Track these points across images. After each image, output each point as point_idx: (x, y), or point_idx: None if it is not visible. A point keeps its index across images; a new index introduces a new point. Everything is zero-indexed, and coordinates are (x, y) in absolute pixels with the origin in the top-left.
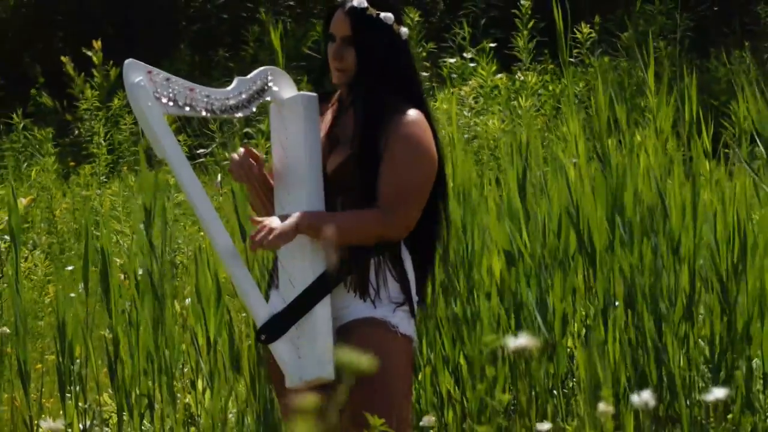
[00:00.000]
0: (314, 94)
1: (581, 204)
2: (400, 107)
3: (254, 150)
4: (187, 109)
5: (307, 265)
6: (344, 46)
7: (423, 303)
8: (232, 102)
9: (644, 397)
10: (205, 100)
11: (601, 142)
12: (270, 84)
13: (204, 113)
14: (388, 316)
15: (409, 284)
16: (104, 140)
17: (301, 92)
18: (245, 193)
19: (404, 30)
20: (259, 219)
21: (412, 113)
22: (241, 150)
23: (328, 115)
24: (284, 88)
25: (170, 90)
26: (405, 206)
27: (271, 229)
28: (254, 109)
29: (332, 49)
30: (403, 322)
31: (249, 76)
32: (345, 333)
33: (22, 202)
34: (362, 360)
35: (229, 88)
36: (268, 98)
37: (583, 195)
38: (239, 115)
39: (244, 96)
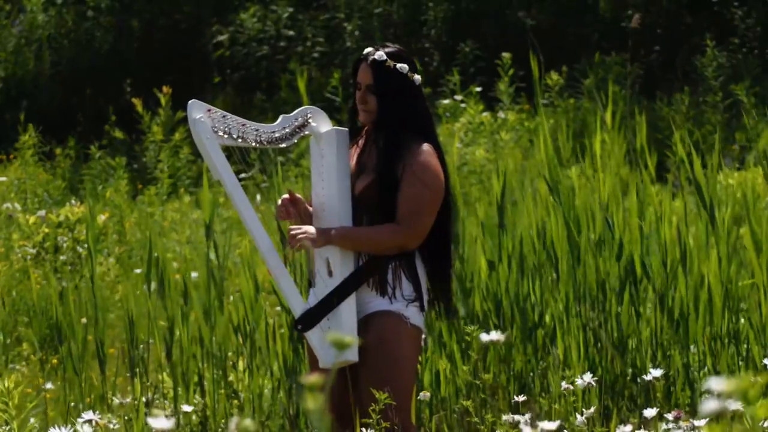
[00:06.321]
0: (345, 129)
1: (546, 221)
2: (415, 141)
3: (295, 193)
4: (240, 141)
5: (337, 273)
6: (368, 93)
7: (450, 308)
8: (277, 135)
9: (587, 378)
10: (255, 133)
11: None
12: (310, 120)
13: (254, 144)
14: (402, 310)
15: (421, 284)
16: (167, 167)
17: (335, 127)
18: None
19: (417, 77)
20: (298, 226)
21: (424, 146)
22: (286, 195)
23: (358, 146)
24: (321, 123)
25: (226, 125)
26: (418, 219)
27: (307, 233)
28: (296, 141)
29: (358, 96)
30: (414, 315)
31: (291, 114)
32: (366, 323)
33: (101, 218)
34: (377, 342)
35: (275, 123)
36: (308, 132)
37: (549, 214)
38: (283, 145)
39: (287, 130)
